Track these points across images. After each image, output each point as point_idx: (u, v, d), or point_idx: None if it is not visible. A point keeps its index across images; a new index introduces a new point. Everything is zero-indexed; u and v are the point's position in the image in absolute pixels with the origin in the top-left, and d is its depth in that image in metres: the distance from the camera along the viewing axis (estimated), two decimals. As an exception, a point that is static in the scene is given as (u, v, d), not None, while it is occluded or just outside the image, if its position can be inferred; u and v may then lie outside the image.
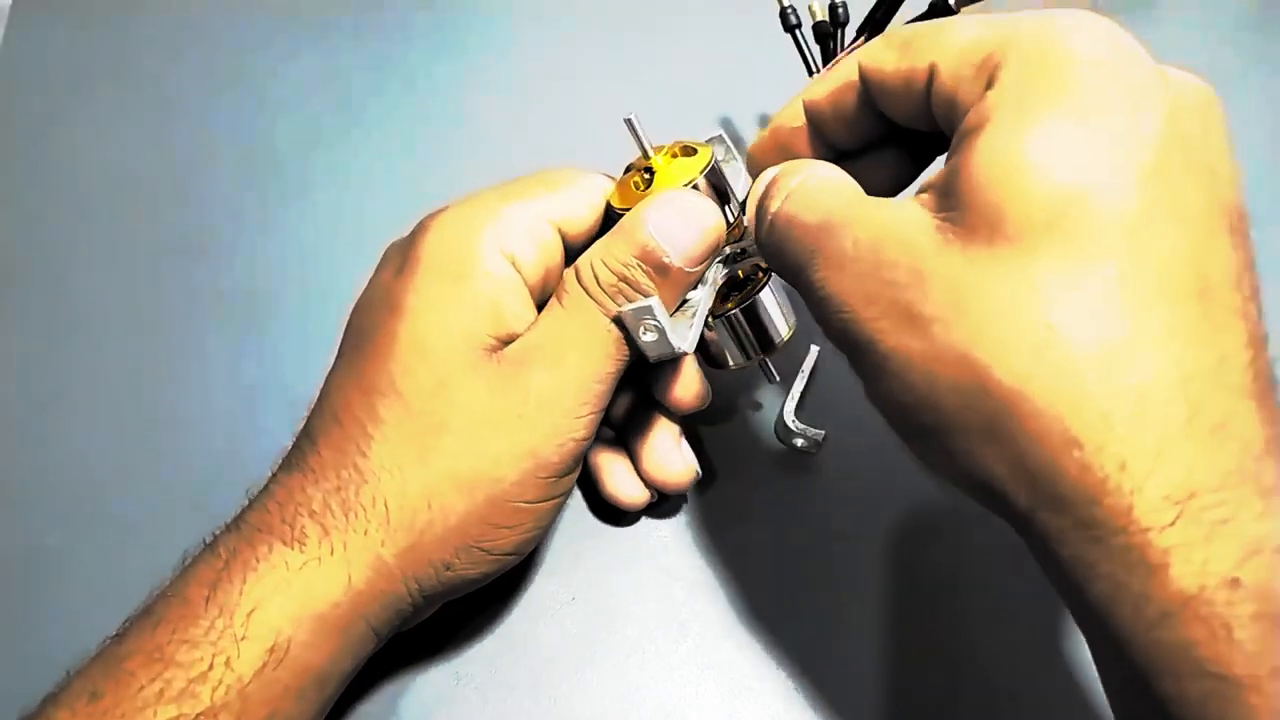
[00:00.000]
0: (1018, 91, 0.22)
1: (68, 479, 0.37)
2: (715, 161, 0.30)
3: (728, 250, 0.31)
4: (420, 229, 0.30)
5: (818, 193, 0.26)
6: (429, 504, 0.27)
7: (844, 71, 0.28)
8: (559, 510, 0.30)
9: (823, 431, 0.36)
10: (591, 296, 0.28)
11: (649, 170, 0.30)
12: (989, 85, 0.22)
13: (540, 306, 0.31)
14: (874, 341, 0.23)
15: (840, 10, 0.39)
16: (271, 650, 0.26)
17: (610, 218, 0.31)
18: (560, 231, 0.31)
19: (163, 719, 0.24)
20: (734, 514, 0.36)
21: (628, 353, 0.29)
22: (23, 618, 0.34)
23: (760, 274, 0.32)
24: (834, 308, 0.24)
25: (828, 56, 0.39)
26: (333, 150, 0.45)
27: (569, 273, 0.29)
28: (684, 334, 0.28)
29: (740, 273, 0.32)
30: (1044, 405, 0.20)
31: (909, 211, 0.23)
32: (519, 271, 0.30)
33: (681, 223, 0.28)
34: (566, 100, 0.47)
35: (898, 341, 0.22)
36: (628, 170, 0.31)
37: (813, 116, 0.30)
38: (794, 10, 0.39)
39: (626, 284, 0.28)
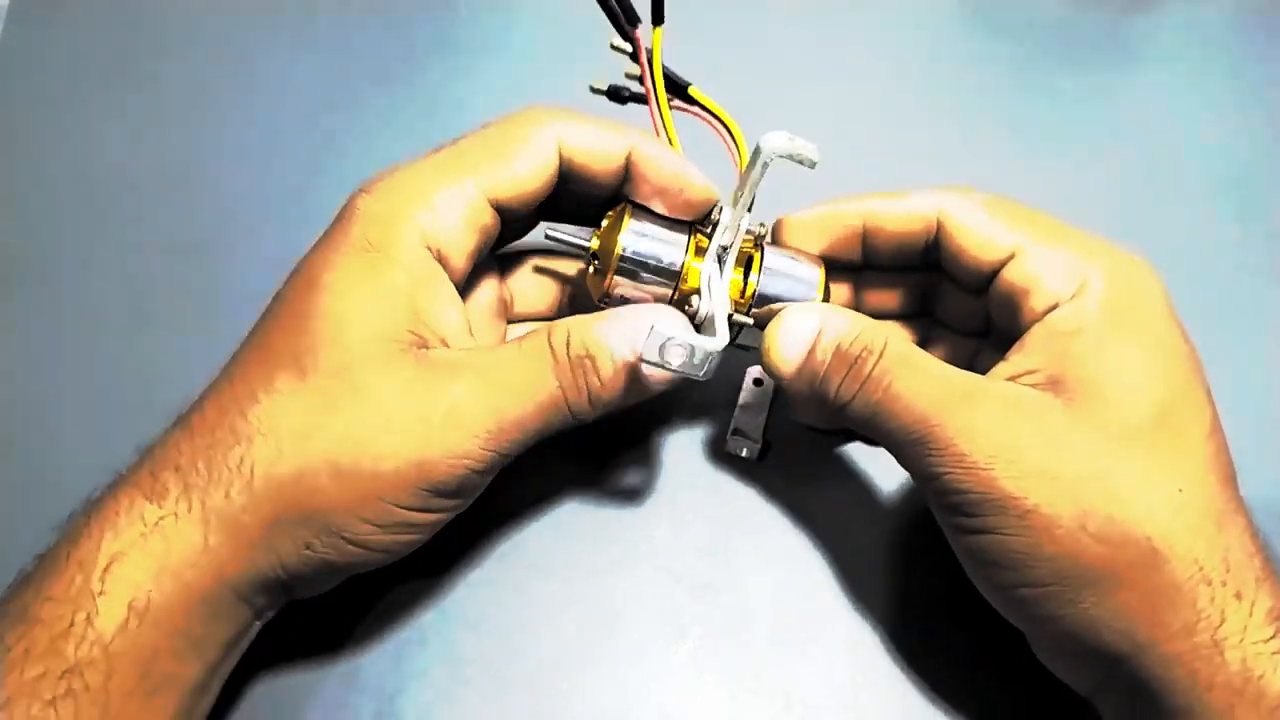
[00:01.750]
0: (1118, 317, 0.28)
1: (67, 479, 0.37)
2: (630, 224, 0.31)
3: (715, 253, 0.31)
4: (349, 207, 0.29)
5: (926, 370, 0.28)
6: (298, 480, 0.27)
7: (921, 212, 0.31)
8: (437, 526, 0.29)
9: (759, 442, 0.36)
10: (553, 356, 0.28)
11: (595, 255, 0.32)
12: (1079, 291, 0.28)
13: (467, 282, 0.31)
14: (1017, 497, 0.26)
15: None
16: (131, 606, 0.25)
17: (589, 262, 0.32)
18: (502, 203, 0.30)
19: (28, 678, 0.24)
20: (733, 513, 0.36)
21: (562, 411, 0.28)
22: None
23: (754, 250, 0.32)
24: (969, 463, 0.27)
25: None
26: (333, 150, 0.45)
27: (540, 329, 0.29)
28: (712, 334, 0.29)
29: (736, 267, 0.32)
30: (1183, 552, 0.26)
31: (1030, 391, 0.28)
32: (444, 262, 0.29)
33: (626, 333, 0.29)
34: (569, 97, 0.47)
35: (1043, 499, 0.26)
36: (589, 260, 0.32)
37: (870, 232, 0.32)
38: None
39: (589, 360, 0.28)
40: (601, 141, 0.31)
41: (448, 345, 0.29)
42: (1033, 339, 0.28)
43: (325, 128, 0.46)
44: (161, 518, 0.26)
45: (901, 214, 0.31)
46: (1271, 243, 0.43)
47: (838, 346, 0.29)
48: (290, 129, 0.46)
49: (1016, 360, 0.29)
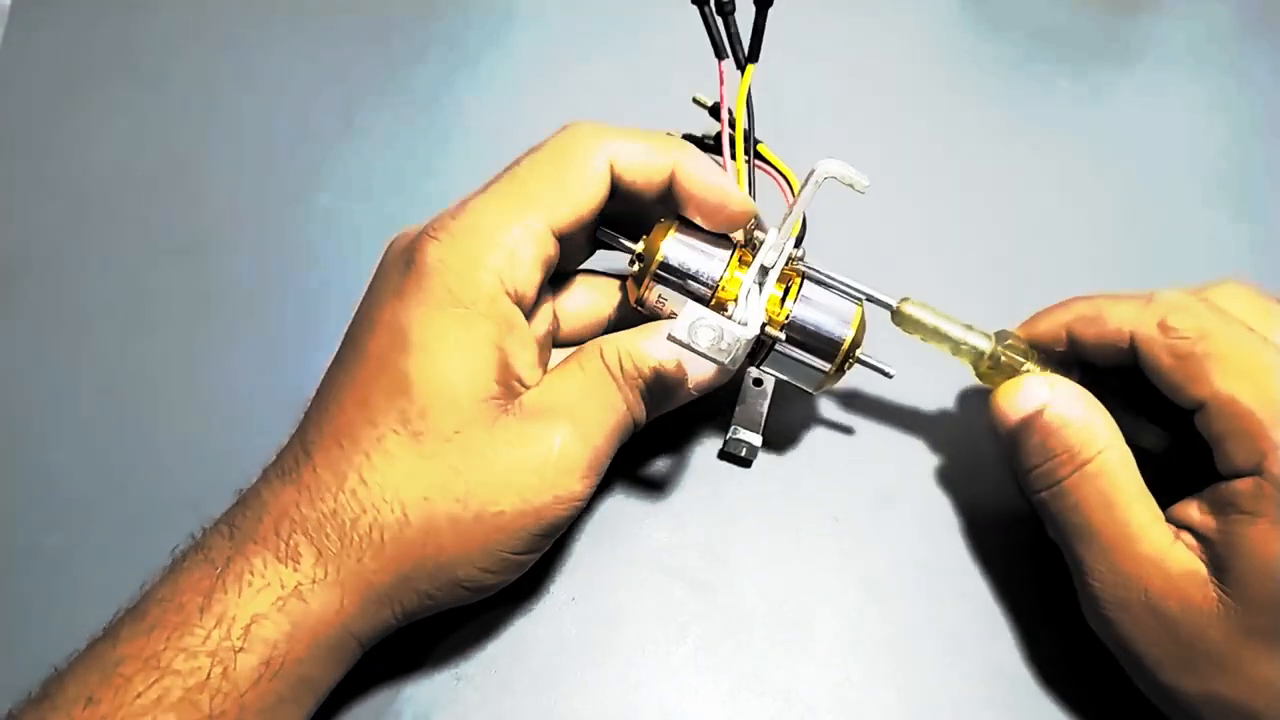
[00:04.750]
0: None
1: (67, 479, 0.37)
2: (675, 233, 0.32)
3: (757, 270, 0.31)
4: (421, 256, 0.29)
5: (1110, 495, 0.29)
6: (425, 541, 0.28)
7: (1118, 340, 0.31)
8: (534, 561, 0.31)
9: (759, 440, 0.36)
10: (613, 377, 0.30)
11: (640, 257, 0.32)
12: (1257, 468, 0.26)
13: (534, 304, 0.31)
14: (1155, 671, 0.28)
15: None
16: (267, 663, 0.26)
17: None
18: (564, 231, 0.31)
19: None
20: (733, 514, 0.36)
21: (630, 427, 0.31)
22: (21, 618, 0.34)
23: (796, 276, 0.33)
24: (1111, 633, 0.30)
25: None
26: (333, 150, 0.45)
27: (591, 347, 0.30)
28: (744, 317, 0.29)
29: (778, 284, 0.32)
30: None
31: (1189, 570, 0.28)
32: (520, 303, 0.30)
33: (670, 348, 0.30)
34: (569, 98, 0.47)
35: (1178, 680, 0.28)
36: (633, 263, 0.33)
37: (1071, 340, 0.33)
38: None
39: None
40: (650, 157, 0.31)
41: (525, 384, 0.30)
42: (1213, 501, 0.28)
43: (326, 128, 0.46)
44: (299, 583, 0.27)
45: (1098, 338, 0.31)
46: (1269, 244, 0.43)
47: (1058, 425, 0.30)
48: (291, 129, 0.46)
49: (1194, 512, 0.28)
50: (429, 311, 0.29)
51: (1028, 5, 0.50)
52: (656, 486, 0.37)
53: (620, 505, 0.36)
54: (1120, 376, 0.32)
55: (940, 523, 0.36)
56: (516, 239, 0.29)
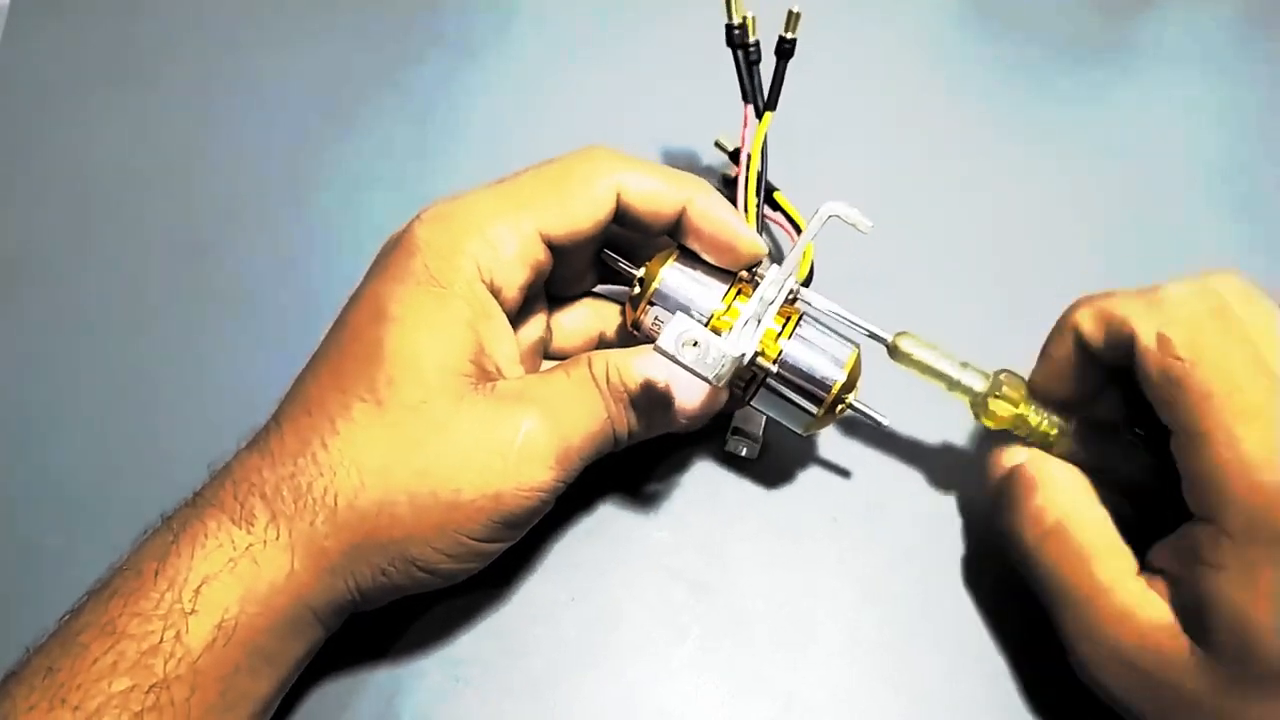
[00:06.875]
0: (1254, 553, 0.25)
1: (67, 479, 0.37)
2: (675, 261, 0.33)
3: (755, 303, 0.31)
4: (409, 236, 0.30)
5: (1076, 555, 0.29)
6: (379, 512, 0.28)
7: (1116, 334, 0.29)
8: (496, 555, 0.30)
9: (758, 442, 0.36)
10: (598, 386, 0.30)
11: (639, 281, 0.33)
12: (1213, 514, 0.26)
13: (520, 308, 0.31)
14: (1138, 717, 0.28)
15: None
16: (220, 627, 0.26)
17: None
18: (555, 240, 0.31)
19: (117, 690, 0.25)
20: (733, 514, 0.36)
21: (609, 438, 0.30)
22: (21, 618, 0.34)
23: (795, 314, 0.32)
24: (1097, 689, 0.29)
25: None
26: (333, 150, 0.45)
27: (580, 357, 0.30)
28: (734, 340, 0.29)
29: (776, 317, 0.32)
30: None
31: (1161, 623, 0.27)
32: (497, 294, 0.30)
33: (661, 369, 0.30)
34: (568, 99, 0.47)
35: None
36: (630, 285, 0.33)
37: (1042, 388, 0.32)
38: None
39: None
40: (660, 191, 0.31)
41: (503, 375, 0.30)
42: (1181, 547, 0.27)
43: (326, 128, 0.46)
44: (251, 544, 0.27)
45: (1104, 339, 0.30)
46: (1269, 244, 0.43)
47: (1023, 490, 0.30)
48: (290, 129, 0.46)
49: (1166, 558, 0.28)
50: (407, 288, 0.29)
51: (1027, 5, 0.50)
52: (656, 486, 0.37)
53: (620, 505, 0.36)
54: (1124, 389, 0.31)
55: (939, 523, 0.36)
56: (501, 233, 0.30)
